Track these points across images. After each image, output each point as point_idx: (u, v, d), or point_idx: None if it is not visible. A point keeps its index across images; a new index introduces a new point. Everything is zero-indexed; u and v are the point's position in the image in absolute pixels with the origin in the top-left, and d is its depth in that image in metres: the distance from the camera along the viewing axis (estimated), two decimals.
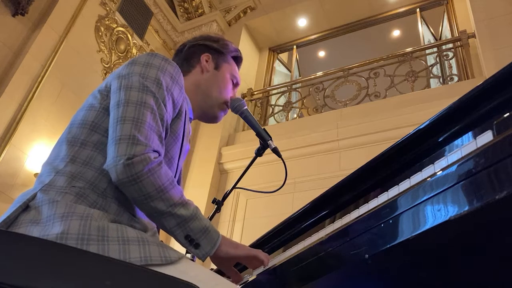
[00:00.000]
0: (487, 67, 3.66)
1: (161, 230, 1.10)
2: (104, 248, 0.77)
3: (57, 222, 0.78)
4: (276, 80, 5.73)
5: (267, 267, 1.00)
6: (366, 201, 0.86)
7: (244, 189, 1.50)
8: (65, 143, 0.94)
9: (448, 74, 4.31)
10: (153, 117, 0.92)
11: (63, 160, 0.91)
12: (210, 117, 1.24)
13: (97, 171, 0.90)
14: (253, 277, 1.03)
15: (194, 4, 5.74)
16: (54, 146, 0.99)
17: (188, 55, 1.25)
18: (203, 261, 0.92)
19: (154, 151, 0.89)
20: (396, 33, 6.34)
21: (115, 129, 0.88)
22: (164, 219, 0.88)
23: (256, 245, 1.32)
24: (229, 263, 0.99)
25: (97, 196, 0.87)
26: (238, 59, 1.30)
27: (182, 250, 1.01)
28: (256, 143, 1.34)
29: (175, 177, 1.03)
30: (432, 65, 4.43)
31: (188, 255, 1.46)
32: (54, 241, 0.75)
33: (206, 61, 1.23)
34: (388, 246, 0.71)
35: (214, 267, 1.27)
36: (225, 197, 1.52)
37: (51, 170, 0.91)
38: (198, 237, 0.89)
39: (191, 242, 0.89)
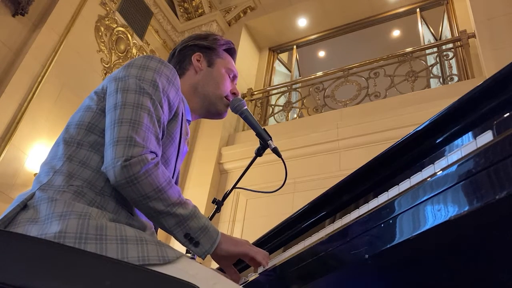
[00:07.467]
0: (487, 67, 3.66)
1: (159, 230, 1.10)
2: (102, 247, 0.77)
3: (55, 221, 0.79)
4: (276, 80, 5.73)
5: (267, 267, 1.00)
6: (366, 201, 0.86)
7: (244, 189, 1.50)
8: (62, 143, 0.95)
9: (448, 74, 4.31)
10: (150, 118, 0.93)
11: (61, 159, 0.92)
12: (214, 114, 1.24)
13: (94, 171, 0.90)
14: (253, 276, 1.03)
15: (194, 4, 5.74)
16: (52, 147, 1.00)
17: (180, 59, 1.25)
18: (203, 259, 0.93)
19: (151, 152, 0.89)
20: (396, 33, 6.34)
21: (113, 131, 0.89)
22: (163, 219, 0.88)
23: (256, 245, 1.31)
24: (229, 261, 0.99)
25: (95, 194, 0.88)
26: (231, 51, 1.30)
27: (182, 249, 1.01)
28: (256, 143, 1.34)
29: (172, 178, 1.03)
30: (432, 65, 4.43)
31: (188, 255, 1.46)
32: (53, 241, 0.75)
33: (198, 60, 1.23)
34: (388, 246, 0.71)
35: (214, 265, 1.27)
36: (225, 197, 1.52)
37: (49, 170, 0.91)
38: (197, 235, 0.89)
39: (190, 241, 0.89)
